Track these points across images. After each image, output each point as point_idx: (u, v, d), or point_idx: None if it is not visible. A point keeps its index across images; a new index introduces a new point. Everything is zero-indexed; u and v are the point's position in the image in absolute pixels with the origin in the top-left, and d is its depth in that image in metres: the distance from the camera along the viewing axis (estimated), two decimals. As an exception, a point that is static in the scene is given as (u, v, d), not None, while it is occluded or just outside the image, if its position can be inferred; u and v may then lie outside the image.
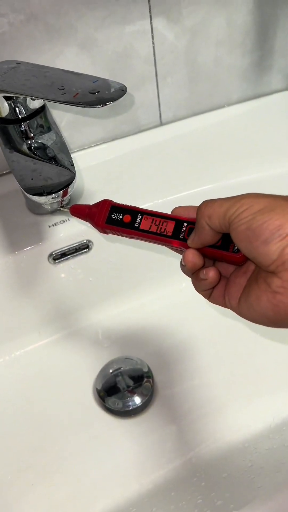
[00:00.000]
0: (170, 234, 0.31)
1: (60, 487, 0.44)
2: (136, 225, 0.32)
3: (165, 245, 0.32)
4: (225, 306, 0.30)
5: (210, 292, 0.31)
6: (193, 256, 0.29)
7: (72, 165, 0.39)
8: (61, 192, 0.37)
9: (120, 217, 0.33)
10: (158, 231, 0.32)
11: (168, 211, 0.33)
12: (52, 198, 0.36)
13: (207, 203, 0.28)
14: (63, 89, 0.36)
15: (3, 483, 0.44)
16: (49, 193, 0.36)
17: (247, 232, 0.25)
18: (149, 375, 0.49)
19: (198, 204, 0.29)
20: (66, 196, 0.38)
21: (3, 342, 0.52)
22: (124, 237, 0.34)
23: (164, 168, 0.53)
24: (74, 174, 0.38)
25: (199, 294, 0.31)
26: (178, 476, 0.42)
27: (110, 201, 0.34)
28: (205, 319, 0.52)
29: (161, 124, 0.59)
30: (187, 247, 0.30)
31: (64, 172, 0.38)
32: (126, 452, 0.45)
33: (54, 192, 0.36)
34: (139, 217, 0.32)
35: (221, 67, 0.56)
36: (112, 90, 0.36)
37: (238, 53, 0.56)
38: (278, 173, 0.52)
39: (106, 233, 0.35)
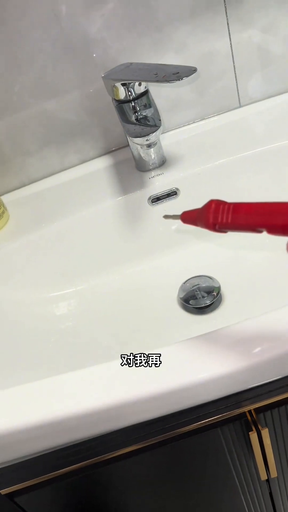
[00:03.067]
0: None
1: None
2: (241, 220, 0.35)
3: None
4: None
5: None
6: None
7: (159, 122, 0.59)
8: (150, 135, 0.57)
9: (225, 214, 0.36)
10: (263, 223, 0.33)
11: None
12: (146, 140, 0.56)
13: None
14: (157, 74, 0.56)
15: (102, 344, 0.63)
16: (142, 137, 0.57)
17: None
18: (218, 290, 0.65)
19: None
20: (152, 136, 0.58)
21: (119, 264, 0.71)
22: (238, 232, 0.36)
23: (243, 135, 0.69)
24: (158, 127, 0.58)
25: None
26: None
27: (215, 200, 0.37)
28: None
29: (240, 106, 0.75)
30: None
31: (153, 128, 0.58)
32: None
33: (143, 136, 0.57)
34: (243, 211, 0.35)
35: (290, 57, 0.71)
36: (187, 70, 0.54)
37: (304, 44, 0.70)
38: None
39: (217, 231, 0.37)
